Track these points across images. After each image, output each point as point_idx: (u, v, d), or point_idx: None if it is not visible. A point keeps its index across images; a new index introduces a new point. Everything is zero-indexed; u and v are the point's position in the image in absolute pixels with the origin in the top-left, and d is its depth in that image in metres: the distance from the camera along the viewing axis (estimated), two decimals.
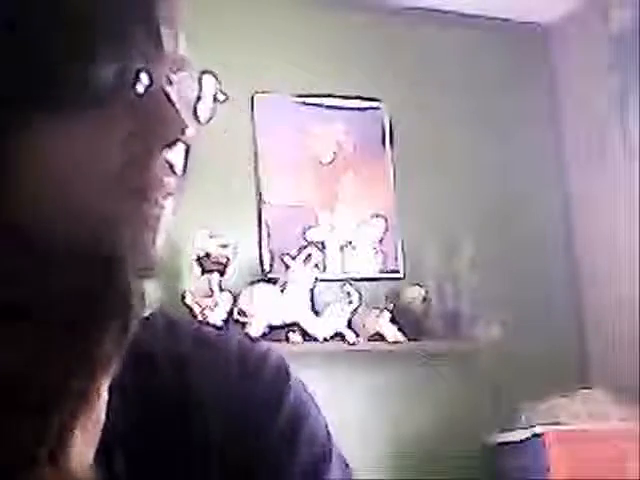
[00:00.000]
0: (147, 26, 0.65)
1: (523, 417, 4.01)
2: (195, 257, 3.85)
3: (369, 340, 4.07)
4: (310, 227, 4.20)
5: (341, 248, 4.25)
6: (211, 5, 4.10)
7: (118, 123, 0.64)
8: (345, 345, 4.02)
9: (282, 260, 4.02)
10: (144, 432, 0.67)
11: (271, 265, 4.08)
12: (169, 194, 0.66)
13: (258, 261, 4.08)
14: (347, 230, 4.28)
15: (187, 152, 0.69)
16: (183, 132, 0.66)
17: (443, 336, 4.18)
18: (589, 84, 4.59)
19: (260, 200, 4.15)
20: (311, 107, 4.29)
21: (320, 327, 3.98)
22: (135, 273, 0.62)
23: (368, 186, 4.36)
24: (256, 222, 4.12)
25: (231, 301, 3.88)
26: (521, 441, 3.92)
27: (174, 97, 0.66)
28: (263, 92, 4.20)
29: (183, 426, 0.69)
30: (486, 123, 4.56)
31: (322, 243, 4.18)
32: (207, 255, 3.84)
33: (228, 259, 3.88)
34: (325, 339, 3.99)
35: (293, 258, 4.02)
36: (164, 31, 0.66)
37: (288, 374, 0.75)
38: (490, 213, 4.47)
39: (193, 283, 3.85)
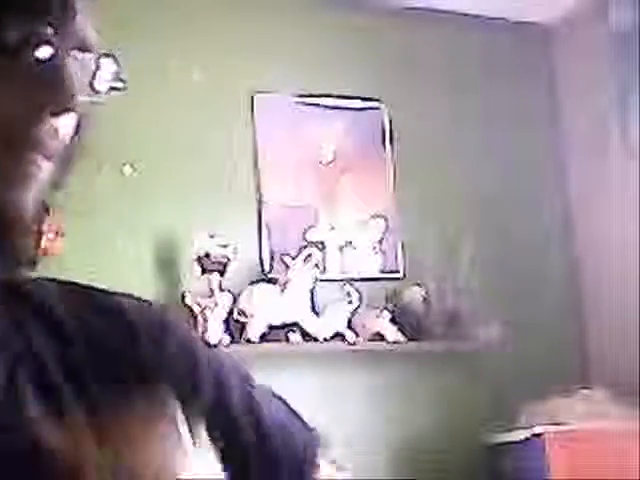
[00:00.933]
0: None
1: (523, 417, 4.01)
2: (195, 257, 3.85)
3: (369, 340, 4.07)
4: (310, 227, 4.20)
5: (341, 248, 4.25)
6: (211, 5, 4.10)
7: (15, 80, 0.66)
8: (345, 345, 4.02)
9: (282, 260, 4.02)
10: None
11: (271, 265, 4.08)
12: (48, 157, 0.69)
13: (258, 261, 4.08)
14: (347, 230, 4.28)
15: (78, 126, 0.72)
16: (70, 105, 0.68)
17: (443, 336, 4.18)
18: (589, 84, 4.59)
19: (260, 200, 4.15)
20: (311, 107, 4.29)
21: (320, 327, 3.98)
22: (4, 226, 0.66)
23: (368, 186, 4.36)
24: (256, 222, 4.12)
25: (231, 301, 3.88)
26: (521, 441, 3.91)
27: (71, 70, 0.69)
28: (263, 92, 4.20)
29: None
30: (486, 123, 4.56)
31: (322, 243, 4.18)
32: (207, 255, 3.84)
33: (228, 259, 3.88)
34: (325, 339, 3.99)
35: (293, 258, 4.02)
36: (78, 7, 0.70)
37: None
38: (490, 213, 4.47)
39: (193, 283, 3.85)
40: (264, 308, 3.90)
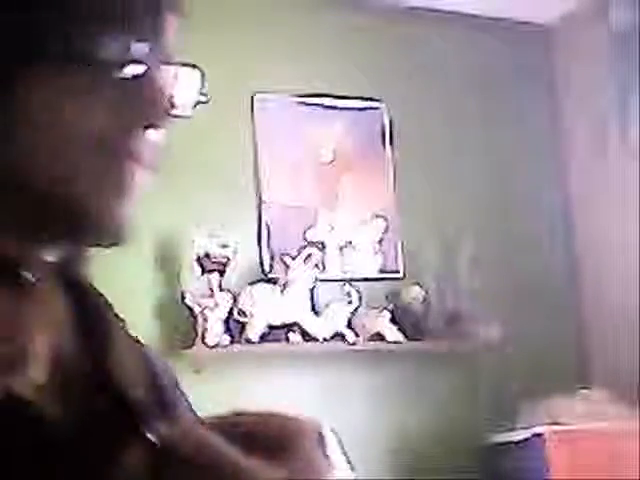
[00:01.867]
0: (156, 9, 0.72)
1: (523, 417, 4.01)
2: (195, 257, 3.85)
3: (369, 340, 4.07)
4: (310, 227, 4.20)
5: (341, 248, 4.25)
6: (211, 5, 4.10)
7: (111, 94, 0.69)
8: (345, 345, 4.02)
9: (282, 260, 4.02)
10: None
11: (271, 265, 4.08)
12: (145, 167, 0.72)
13: (258, 261, 4.08)
14: (347, 230, 4.28)
15: (164, 138, 0.75)
16: (165, 118, 0.72)
17: (443, 336, 4.18)
18: (589, 84, 4.60)
19: (260, 200, 4.15)
20: (311, 107, 4.29)
21: (320, 327, 3.98)
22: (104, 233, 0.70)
23: (368, 186, 4.36)
24: (256, 222, 4.12)
25: (231, 301, 3.88)
26: (521, 441, 3.91)
27: (163, 85, 0.72)
28: (263, 92, 4.20)
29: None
30: (486, 123, 4.56)
31: (322, 243, 4.18)
32: (207, 255, 3.84)
33: (228, 259, 3.88)
34: (325, 339, 3.99)
35: (293, 258, 4.02)
36: (169, 19, 0.73)
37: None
38: (490, 213, 4.47)
39: (193, 283, 3.85)
40: (264, 308, 3.90)
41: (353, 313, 4.07)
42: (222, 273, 3.87)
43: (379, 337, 4.08)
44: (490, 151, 4.54)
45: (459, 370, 4.25)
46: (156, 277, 3.88)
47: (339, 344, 4.01)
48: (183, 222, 3.90)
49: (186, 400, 0.80)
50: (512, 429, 3.99)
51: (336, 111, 4.34)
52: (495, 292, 4.31)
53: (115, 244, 0.72)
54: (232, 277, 3.92)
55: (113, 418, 0.66)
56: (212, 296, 3.82)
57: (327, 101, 4.32)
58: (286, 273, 3.99)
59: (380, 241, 4.31)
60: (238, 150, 4.13)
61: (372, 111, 4.42)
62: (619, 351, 4.31)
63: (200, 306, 3.81)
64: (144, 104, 0.71)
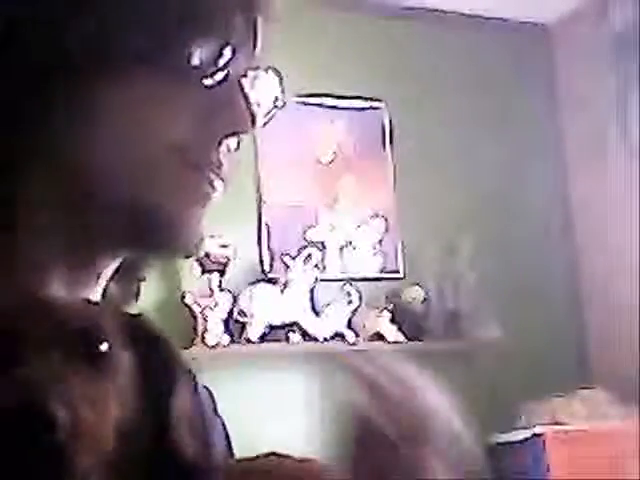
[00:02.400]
0: (246, 17, 0.70)
1: (523, 417, 4.01)
2: (195, 257, 3.84)
3: (369, 340, 4.07)
4: (310, 227, 4.20)
5: (341, 248, 4.25)
6: None
7: (197, 102, 0.67)
8: (345, 345, 4.01)
9: (282, 260, 4.02)
10: None
11: (271, 265, 4.08)
12: (222, 178, 0.71)
13: (258, 261, 4.08)
14: (347, 230, 4.28)
15: (238, 144, 0.73)
16: (249, 126, 0.70)
17: (443, 336, 4.18)
18: (589, 84, 4.59)
19: (260, 200, 4.15)
20: (311, 107, 4.29)
21: (320, 327, 3.98)
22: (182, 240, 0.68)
23: (368, 186, 4.36)
24: (256, 222, 4.12)
25: (231, 301, 3.88)
26: (521, 441, 3.91)
27: (247, 92, 0.70)
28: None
29: None
30: (486, 123, 4.56)
31: (322, 243, 4.18)
32: (207, 255, 3.84)
33: (228, 259, 3.88)
34: (325, 339, 3.99)
35: (293, 258, 4.02)
36: (259, 25, 0.71)
37: None
38: (490, 213, 4.47)
39: (193, 283, 3.85)
40: (264, 308, 3.90)
41: (353, 313, 4.07)
42: (222, 273, 3.87)
43: (379, 337, 4.08)
44: (490, 151, 4.54)
45: (459, 370, 4.25)
46: (156, 277, 3.88)
47: (339, 344, 4.01)
48: None
49: (223, 426, 0.76)
50: (512, 429, 3.99)
51: (336, 111, 4.34)
52: (495, 292, 4.31)
53: (188, 255, 0.72)
54: (232, 277, 3.92)
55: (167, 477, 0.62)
56: (212, 296, 3.82)
57: (327, 101, 4.32)
58: (286, 273, 3.99)
59: (380, 241, 4.31)
60: (238, 150, 4.12)
61: (372, 111, 4.42)
62: (619, 351, 4.31)
63: (200, 306, 3.81)
64: (230, 112, 0.69)
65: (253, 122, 0.70)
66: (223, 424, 0.77)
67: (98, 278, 0.72)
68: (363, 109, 4.40)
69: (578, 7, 4.59)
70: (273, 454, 0.64)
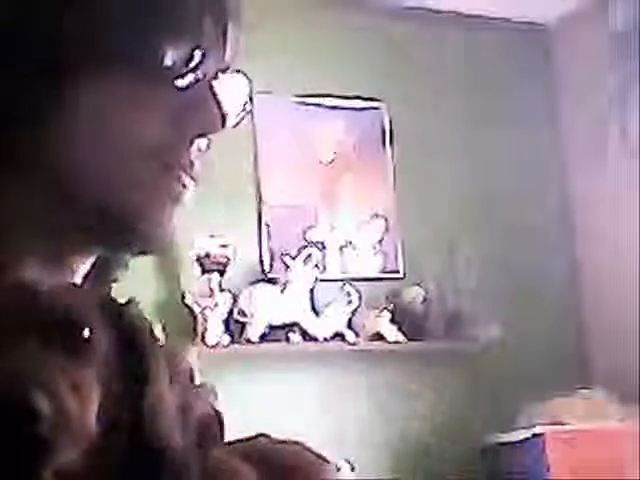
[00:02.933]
0: (215, 19, 0.71)
1: (523, 417, 4.01)
2: (195, 257, 3.85)
3: (369, 340, 4.07)
4: (310, 227, 4.20)
5: (341, 248, 4.25)
6: None
7: (168, 103, 0.69)
8: (345, 345, 4.02)
9: (282, 260, 4.02)
10: None
11: (271, 265, 4.08)
12: (193, 178, 0.73)
13: (258, 261, 4.08)
14: (347, 230, 4.28)
15: (208, 144, 0.75)
16: (219, 127, 0.72)
17: (443, 336, 4.18)
18: (589, 84, 4.59)
19: (260, 200, 4.15)
20: (311, 107, 4.29)
21: (320, 327, 3.98)
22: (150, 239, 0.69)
23: (368, 186, 4.36)
24: (256, 222, 4.12)
25: (231, 301, 3.88)
26: (521, 441, 3.91)
27: (218, 93, 0.72)
28: (263, 92, 4.20)
29: None
30: (486, 123, 4.56)
31: (322, 243, 4.18)
32: (207, 255, 3.84)
33: (228, 259, 3.88)
34: (325, 339, 3.99)
35: (293, 258, 4.02)
36: (229, 28, 0.73)
37: None
38: (490, 213, 4.47)
39: (193, 283, 3.85)
40: (264, 308, 3.90)
41: (353, 313, 4.07)
42: (222, 273, 3.87)
43: (379, 337, 4.08)
44: (490, 151, 4.54)
45: (459, 370, 4.25)
46: (156, 277, 3.88)
47: (339, 344, 4.01)
48: (183, 222, 3.89)
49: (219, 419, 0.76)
50: (512, 429, 3.99)
51: (336, 111, 4.34)
52: (495, 292, 4.31)
53: (158, 252, 0.72)
54: (232, 277, 3.92)
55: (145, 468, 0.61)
56: (212, 296, 3.82)
57: (327, 101, 4.32)
58: (286, 273, 3.99)
59: (380, 241, 4.31)
60: (238, 150, 4.12)
61: (372, 111, 4.42)
62: (619, 351, 4.31)
63: (200, 306, 3.81)
64: (201, 114, 0.70)
65: (223, 123, 0.72)
66: (219, 417, 0.78)
67: (72, 275, 0.73)
68: (363, 109, 4.40)
69: (578, 7, 4.59)
70: (262, 435, 0.65)
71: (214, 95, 0.72)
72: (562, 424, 3.89)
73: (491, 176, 4.52)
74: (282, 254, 4.04)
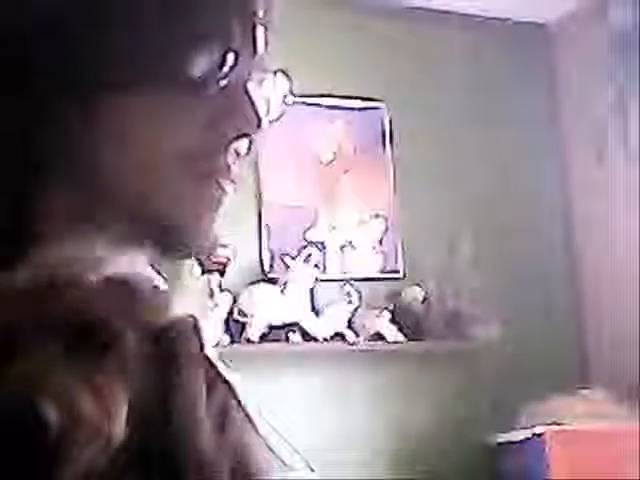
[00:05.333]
0: (243, 22, 0.71)
1: (523, 417, 4.01)
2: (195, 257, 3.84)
3: (369, 340, 4.07)
4: (310, 227, 4.20)
5: (341, 248, 4.25)
6: None
7: (201, 111, 0.69)
8: (345, 345, 4.02)
9: (282, 260, 4.02)
10: None
11: (271, 265, 4.08)
12: (232, 181, 0.73)
13: (258, 261, 4.08)
14: (347, 230, 4.28)
15: (249, 146, 0.75)
16: (256, 128, 0.72)
17: (443, 336, 4.18)
18: (589, 84, 4.59)
19: (260, 200, 4.15)
20: (311, 107, 4.29)
21: (320, 327, 3.98)
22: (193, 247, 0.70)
23: (368, 186, 4.36)
24: (256, 222, 4.12)
25: (231, 301, 3.88)
26: (521, 441, 3.91)
27: (253, 95, 0.72)
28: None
29: None
30: (486, 123, 4.56)
31: (322, 243, 4.18)
32: (207, 255, 3.84)
33: (228, 259, 3.88)
34: (325, 339, 3.99)
35: (293, 258, 4.02)
36: (258, 29, 0.72)
37: None
38: (490, 213, 4.47)
39: (193, 283, 3.85)
40: (264, 308, 3.90)
41: (353, 313, 4.07)
42: (222, 273, 3.87)
43: (379, 337, 4.08)
44: (490, 151, 4.54)
45: (459, 370, 4.25)
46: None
47: (339, 344, 4.01)
48: None
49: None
50: (512, 429, 3.99)
51: (336, 111, 4.34)
52: (495, 292, 4.31)
53: (202, 255, 0.74)
54: (232, 277, 3.92)
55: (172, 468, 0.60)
56: (212, 296, 3.82)
57: (327, 101, 4.32)
58: (286, 273, 3.99)
59: (380, 241, 4.31)
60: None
61: (372, 111, 4.42)
62: (619, 351, 4.31)
63: None
64: (235, 117, 0.71)
65: (259, 124, 0.72)
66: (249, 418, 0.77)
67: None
68: (363, 109, 4.40)
69: (578, 7, 4.59)
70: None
71: (249, 97, 0.72)
72: (562, 424, 3.89)
73: (491, 176, 4.52)
74: (282, 254, 4.04)
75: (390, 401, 4.13)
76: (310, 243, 4.13)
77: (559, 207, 4.68)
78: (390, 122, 4.42)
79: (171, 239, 0.71)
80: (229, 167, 0.73)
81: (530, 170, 4.64)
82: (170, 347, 0.61)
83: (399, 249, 4.32)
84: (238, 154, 0.73)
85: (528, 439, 3.88)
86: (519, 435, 3.93)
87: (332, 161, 4.32)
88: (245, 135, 0.72)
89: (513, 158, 4.60)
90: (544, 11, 4.66)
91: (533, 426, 3.89)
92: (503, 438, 4.01)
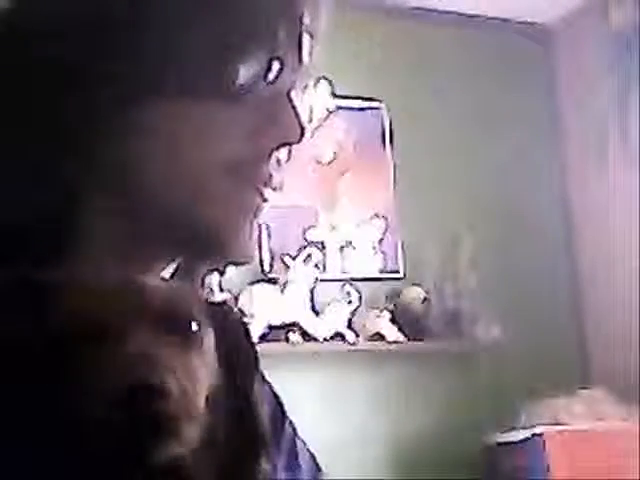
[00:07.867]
0: (290, 30, 0.71)
1: (523, 417, 4.01)
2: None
3: (369, 340, 4.07)
4: (310, 227, 4.20)
5: (341, 248, 4.25)
6: None
7: (246, 119, 0.69)
8: (345, 345, 4.02)
9: (282, 260, 4.02)
10: None
11: (271, 265, 4.08)
12: (274, 189, 0.74)
13: (258, 261, 4.08)
14: (347, 230, 4.28)
15: (289, 154, 0.76)
16: (300, 137, 0.73)
17: (443, 336, 4.18)
18: (589, 84, 4.59)
19: None
20: None
21: (320, 327, 3.98)
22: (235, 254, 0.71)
23: (368, 186, 4.36)
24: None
25: (231, 301, 3.88)
26: (521, 441, 3.91)
27: (296, 103, 0.72)
28: None
29: None
30: (486, 123, 4.56)
31: (322, 243, 4.18)
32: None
33: None
34: (325, 339, 3.99)
35: (293, 258, 4.02)
36: (304, 37, 0.73)
37: None
38: (490, 213, 4.47)
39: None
40: (264, 308, 3.90)
41: (353, 313, 4.07)
42: (222, 273, 3.86)
43: (379, 337, 4.08)
44: (490, 151, 4.54)
45: (459, 370, 4.25)
46: None
47: (339, 344, 4.01)
48: None
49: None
50: (512, 429, 3.99)
51: (336, 111, 4.34)
52: (495, 292, 4.31)
53: (244, 263, 0.74)
54: (232, 277, 3.92)
55: (245, 448, 0.65)
56: (212, 296, 3.82)
57: None
58: (286, 273, 3.99)
59: (380, 241, 4.31)
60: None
61: (372, 111, 4.41)
62: (619, 351, 4.31)
63: None
64: (278, 125, 0.71)
65: (302, 133, 0.73)
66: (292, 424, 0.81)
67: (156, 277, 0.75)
68: (363, 109, 4.40)
69: (578, 7, 4.59)
70: None
71: (292, 105, 0.72)
72: (562, 424, 3.89)
73: (491, 176, 4.52)
74: (282, 254, 4.04)
75: (390, 401, 4.13)
76: (310, 243, 4.13)
77: (559, 207, 4.68)
78: (390, 122, 4.42)
79: (212, 243, 0.72)
80: (271, 175, 0.73)
81: (530, 170, 4.64)
82: (235, 331, 0.69)
83: (399, 249, 4.32)
84: (279, 162, 0.74)
85: (528, 439, 3.88)
86: (519, 435, 3.93)
87: (332, 161, 4.32)
88: (288, 144, 0.73)
89: (513, 158, 4.60)
90: (544, 11, 4.66)
91: (533, 426, 3.89)
92: (503, 438, 4.01)
